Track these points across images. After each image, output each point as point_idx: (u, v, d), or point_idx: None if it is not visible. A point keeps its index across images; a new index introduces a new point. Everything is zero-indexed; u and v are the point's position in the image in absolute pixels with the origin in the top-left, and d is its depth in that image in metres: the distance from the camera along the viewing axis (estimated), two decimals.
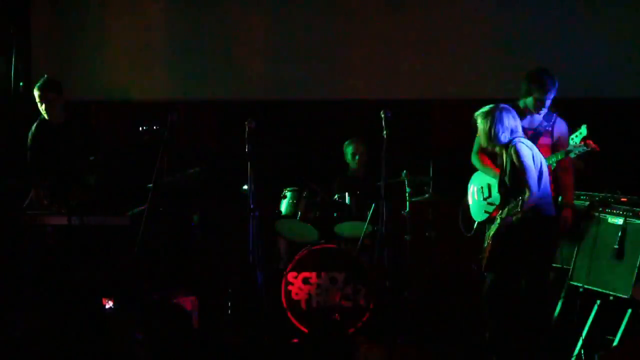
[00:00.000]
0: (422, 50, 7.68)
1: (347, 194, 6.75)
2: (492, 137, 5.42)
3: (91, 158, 6.45)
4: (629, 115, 7.57)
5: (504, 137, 5.39)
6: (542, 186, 5.33)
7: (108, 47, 7.82)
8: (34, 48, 7.77)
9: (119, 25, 7.82)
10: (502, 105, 5.51)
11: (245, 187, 6.54)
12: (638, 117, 7.54)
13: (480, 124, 5.50)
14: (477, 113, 5.55)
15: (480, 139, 5.57)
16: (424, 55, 7.68)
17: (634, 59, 7.55)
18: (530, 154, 5.34)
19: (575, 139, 5.53)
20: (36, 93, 6.38)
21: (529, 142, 5.41)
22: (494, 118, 5.41)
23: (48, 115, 6.42)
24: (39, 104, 6.38)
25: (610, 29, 7.56)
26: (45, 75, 6.46)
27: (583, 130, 5.56)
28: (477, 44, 7.60)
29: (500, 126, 5.38)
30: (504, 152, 5.47)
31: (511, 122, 5.41)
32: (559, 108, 5.92)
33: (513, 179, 5.38)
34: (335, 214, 6.72)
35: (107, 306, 6.13)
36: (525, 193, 5.26)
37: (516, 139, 5.38)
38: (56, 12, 7.83)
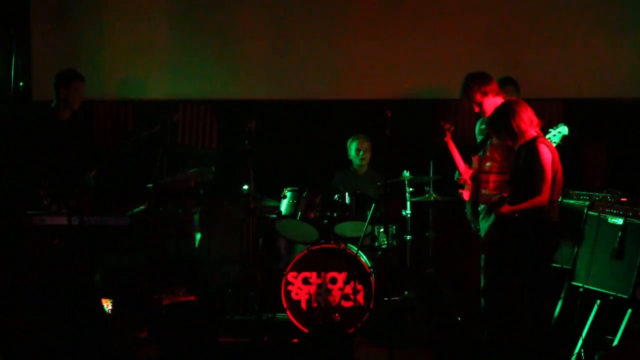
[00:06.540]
0: (422, 50, 7.67)
1: (347, 193, 6.75)
2: (519, 132, 5.30)
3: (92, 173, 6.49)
4: (629, 115, 7.57)
5: (529, 132, 5.30)
6: (551, 192, 5.26)
7: (108, 47, 7.81)
8: (34, 48, 7.77)
9: (119, 25, 7.81)
10: (514, 99, 5.46)
11: (245, 187, 6.55)
12: (638, 117, 7.53)
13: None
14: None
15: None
16: (424, 55, 7.68)
17: (634, 60, 7.55)
18: (550, 158, 5.25)
19: (554, 138, 5.50)
20: (80, 84, 6.46)
21: (551, 145, 5.34)
22: (515, 113, 5.30)
23: (75, 107, 6.46)
24: (72, 96, 6.42)
25: (611, 29, 7.56)
26: (62, 70, 6.53)
27: (563, 129, 5.54)
28: (478, 45, 7.59)
29: (524, 121, 5.28)
30: (521, 147, 5.35)
31: (530, 114, 5.34)
32: (559, 109, 5.92)
33: (526, 177, 5.30)
34: (335, 214, 6.71)
35: (107, 306, 6.14)
36: (534, 195, 5.22)
37: (539, 139, 5.29)
38: (56, 12, 7.82)
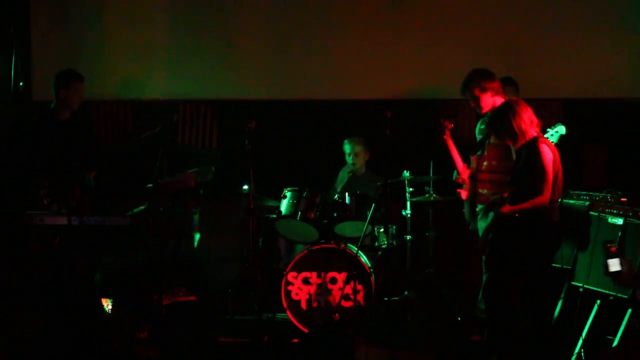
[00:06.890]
0: (422, 50, 7.68)
1: (346, 193, 6.75)
2: (520, 132, 5.29)
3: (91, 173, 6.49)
4: (629, 115, 7.57)
5: (530, 132, 5.30)
6: (552, 192, 5.27)
7: (108, 47, 7.81)
8: (34, 48, 7.77)
9: (119, 26, 7.81)
10: (514, 99, 5.47)
11: (245, 187, 6.55)
12: (638, 117, 7.53)
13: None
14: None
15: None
16: (424, 55, 7.68)
17: (634, 60, 7.55)
18: (551, 158, 5.25)
19: (551, 137, 5.49)
20: (79, 84, 6.44)
21: (552, 146, 5.35)
22: (516, 113, 5.29)
23: (75, 107, 6.46)
24: (71, 96, 6.41)
25: (611, 29, 7.56)
26: (62, 70, 6.52)
27: (560, 129, 5.53)
28: (478, 44, 7.59)
29: (525, 121, 5.28)
30: (522, 147, 5.34)
31: (530, 114, 5.35)
32: (559, 109, 5.92)
33: (525, 177, 5.31)
34: (335, 214, 6.71)
35: (107, 306, 6.13)
36: (535, 195, 5.22)
37: (540, 139, 5.29)
38: (56, 12, 7.82)
